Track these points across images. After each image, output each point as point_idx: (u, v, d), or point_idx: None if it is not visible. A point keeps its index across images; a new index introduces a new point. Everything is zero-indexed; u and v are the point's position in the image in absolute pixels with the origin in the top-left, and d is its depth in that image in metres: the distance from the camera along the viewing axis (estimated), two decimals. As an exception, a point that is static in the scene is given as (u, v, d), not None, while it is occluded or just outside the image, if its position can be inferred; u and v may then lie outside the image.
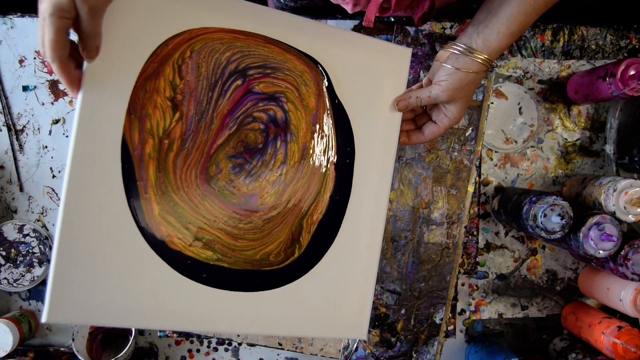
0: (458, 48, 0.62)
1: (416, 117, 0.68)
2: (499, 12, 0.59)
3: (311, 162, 0.65)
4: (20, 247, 0.83)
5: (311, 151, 0.65)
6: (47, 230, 0.85)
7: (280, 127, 0.64)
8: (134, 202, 0.58)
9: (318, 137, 0.65)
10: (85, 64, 0.54)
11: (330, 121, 0.65)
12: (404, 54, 0.67)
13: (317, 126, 0.65)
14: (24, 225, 0.83)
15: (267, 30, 0.62)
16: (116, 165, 0.57)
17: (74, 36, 0.51)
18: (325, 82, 0.65)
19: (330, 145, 0.65)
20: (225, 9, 0.61)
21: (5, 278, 0.83)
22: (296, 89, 0.64)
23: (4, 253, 0.83)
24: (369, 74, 0.66)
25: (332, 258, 0.65)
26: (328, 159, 0.66)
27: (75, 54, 0.52)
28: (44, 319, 0.54)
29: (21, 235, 0.83)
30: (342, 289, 0.66)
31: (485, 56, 0.60)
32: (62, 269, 0.56)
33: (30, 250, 0.83)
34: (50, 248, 0.84)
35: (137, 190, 0.58)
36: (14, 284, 0.83)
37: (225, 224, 0.63)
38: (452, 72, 0.62)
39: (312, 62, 0.64)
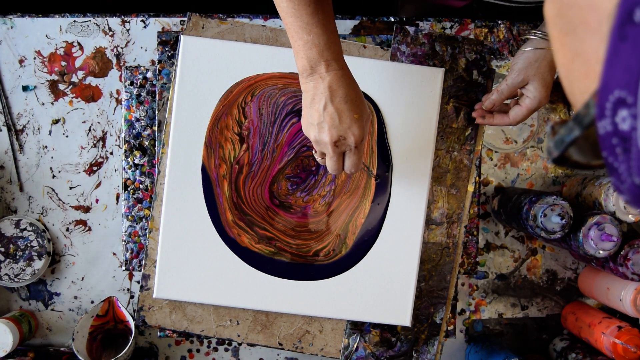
0: (526, 32, 0.68)
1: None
2: None
3: (355, 178, 0.76)
4: (19, 242, 0.83)
5: None
6: (44, 225, 0.85)
7: None
8: (212, 211, 0.75)
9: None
10: (174, 112, 0.74)
11: (374, 142, 0.75)
12: (437, 73, 0.76)
13: (364, 150, 0.74)
14: (20, 220, 0.83)
15: None
16: (198, 184, 0.75)
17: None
18: (375, 115, 0.75)
19: (373, 162, 0.76)
20: (274, 56, 0.74)
21: (6, 274, 0.83)
22: None
23: (2, 249, 0.83)
24: (406, 96, 0.75)
25: (374, 255, 0.77)
26: (369, 173, 0.76)
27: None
28: (154, 294, 0.76)
29: (18, 230, 0.83)
30: (385, 280, 0.76)
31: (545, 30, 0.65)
32: (163, 260, 0.75)
33: (29, 244, 0.83)
34: (49, 240, 0.84)
35: (215, 202, 0.75)
36: (16, 279, 0.83)
37: (285, 227, 0.76)
38: (520, 54, 0.68)
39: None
